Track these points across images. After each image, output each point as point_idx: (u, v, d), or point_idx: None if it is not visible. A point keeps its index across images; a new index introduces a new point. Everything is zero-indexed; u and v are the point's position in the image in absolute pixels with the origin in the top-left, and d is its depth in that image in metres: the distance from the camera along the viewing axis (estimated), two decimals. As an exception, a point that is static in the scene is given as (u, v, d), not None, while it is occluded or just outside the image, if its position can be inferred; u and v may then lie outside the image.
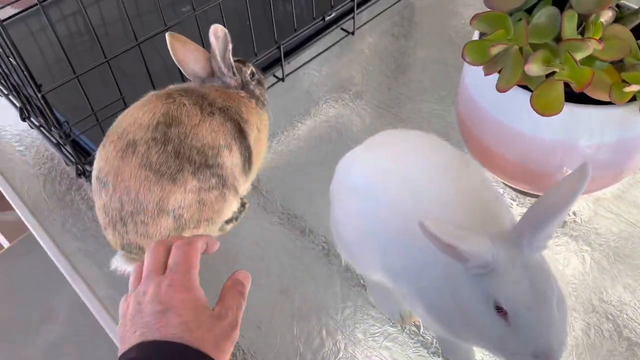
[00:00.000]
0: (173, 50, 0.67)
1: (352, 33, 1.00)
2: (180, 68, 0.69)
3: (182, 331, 0.46)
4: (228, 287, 0.51)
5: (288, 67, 0.94)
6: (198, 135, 0.64)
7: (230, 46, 0.67)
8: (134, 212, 0.61)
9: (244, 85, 0.72)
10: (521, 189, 0.77)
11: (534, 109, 0.52)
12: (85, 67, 0.69)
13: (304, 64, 0.96)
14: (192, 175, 0.63)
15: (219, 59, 0.68)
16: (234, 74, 0.71)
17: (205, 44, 0.73)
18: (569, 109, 0.55)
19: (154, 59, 0.78)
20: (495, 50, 0.52)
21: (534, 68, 0.50)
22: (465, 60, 0.54)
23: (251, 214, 0.77)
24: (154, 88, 0.73)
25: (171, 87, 0.69)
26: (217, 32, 0.66)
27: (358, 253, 0.61)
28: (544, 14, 0.52)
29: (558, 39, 0.52)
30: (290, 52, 0.93)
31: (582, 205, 0.75)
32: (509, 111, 0.62)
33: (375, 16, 1.04)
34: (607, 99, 0.52)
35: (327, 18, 0.93)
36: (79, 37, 0.97)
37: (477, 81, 0.64)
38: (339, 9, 0.94)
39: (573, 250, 0.71)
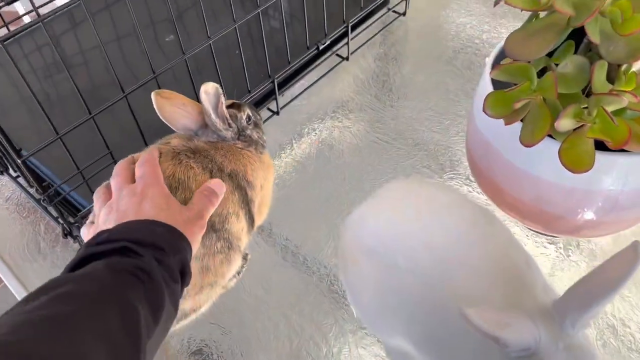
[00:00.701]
0: (160, 109, 0.61)
1: (347, 58, 0.96)
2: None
3: (155, 213, 0.50)
4: (197, 192, 0.56)
5: (282, 98, 0.89)
6: None
7: (222, 99, 0.62)
8: None
9: (240, 133, 0.67)
10: (534, 229, 0.73)
11: (562, 164, 0.49)
12: (69, 117, 0.64)
13: (299, 95, 0.91)
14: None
15: (212, 116, 0.63)
16: (229, 125, 0.65)
17: (195, 84, 0.68)
18: (602, 157, 0.52)
19: (143, 101, 0.72)
20: (520, 105, 0.48)
21: (565, 124, 0.46)
22: (487, 114, 0.50)
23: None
24: (143, 138, 0.68)
25: (176, 142, 0.63)
26: (208, 90, 0.60)
27: (378, 319, 0.56)
28: (571, 63, 0.48)
29: (586, 88, 0.48)
30: (285, 83, 0.88)
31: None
32: (530, 158, 0.58)
33: (370, 38, 0.99)
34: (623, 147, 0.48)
35: (322, 47, 0.88)
36: (58, 73, 0.91)
37: (492, 126, 0.60)
38: (333, 35, 0.89)
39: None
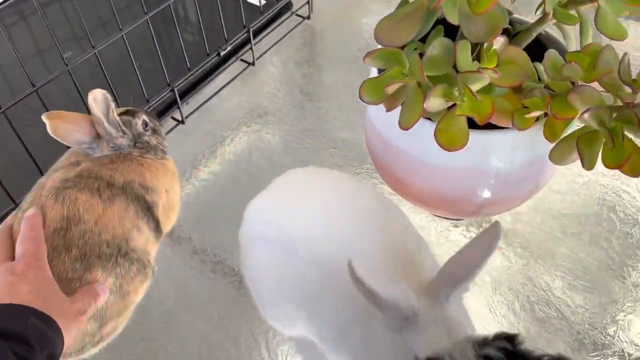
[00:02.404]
0: (54, 131, 0.58)
1: (253, 64, 0.96)
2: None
3: (32, 299, 0.45)
4: (83, 289, 0.52)
5: (188, 107, 0.88)
6: (106, 228, 0.56)
7: (113, 105, 0.60)
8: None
9: (136, 140, 0.66)
10: (439, 215, 0.75)
11: (438, 144, 0.50)
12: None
13: (204, 102, 0.90)
14: (104, 272, 0.55)
15: (104, 123, 0.61)
16: (123, 132, 0.63)
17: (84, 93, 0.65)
18: (475, 136, 0.53)
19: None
20: (391, 89, 0.49)
21: (434, 104, 0.47)
22: (363, 100, 0.51)
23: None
24: (37, 167, 0.65)
25: (59, 175, 0.59)
26: (96, 96, 0.58)
27: (277, 307, 0.56)
28: (437, 46, 0.49)
29: (456, 68, 0.50)
30: (188, 92, 0.87)
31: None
32: (415, 143, 0.60)
33: (276, 43, 1.00)
34: (510, 126, 0.50)
35: (222, 53, 0.87)
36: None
37: (380, 115, 0.62)
38: (234, 41, 0.89)
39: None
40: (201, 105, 0.89)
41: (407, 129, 0.50)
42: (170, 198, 0.67)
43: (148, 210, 0.63)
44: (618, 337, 0.63)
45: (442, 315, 0.43)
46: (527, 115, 0.49)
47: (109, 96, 0.59)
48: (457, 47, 0.48)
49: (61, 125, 0.59)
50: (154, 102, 0.79)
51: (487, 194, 0.63)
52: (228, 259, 0.73)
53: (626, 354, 0.62)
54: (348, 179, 0.58)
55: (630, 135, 0.44)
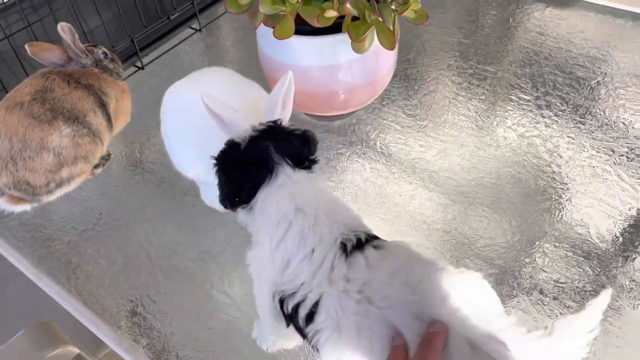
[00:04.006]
0: (33, 54, 0.90)
1: (200, 30, 1.26)
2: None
3: None
4: None
5: (148, 58, 1.18)
6: (68, 100, 0.87)
7: (76, 35, 0.91)
8: (21, 149, 0.83)
9: (97, 63, 0.96)
10: (318, 114, 1.03)
11: (275, 37, 0.79)
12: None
13: (161, 55, 1.20)
14: (65, 124, 0.86)
15: (72, 46, 0.92)
16: (86, 55, 0.94)
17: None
18: (316, 40, 0.83)
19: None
20: (242, 1, 0.78)
21: (265, 7, 0.77)
22: (228, 11, 0.81)
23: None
24: (26, 73, 0.96)
25: (45, 69, 0.92)
26: (64, 28, 0.89)
27: (181, 158, 0.85)
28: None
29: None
30: (146, 47, 1.18)
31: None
32: (277, 50, 0.89)
33: (222, 14, 1.30)
34: (318, 25, 0.79)
35: (172, 17, 1.18)
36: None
37: (259, 32, 0.91)
38: (181, 10, 1.20)
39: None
40: (157, 57, 1.20)
41: (256, 27, 0.80)
42: (119, 105, 0.97)
43: (103, 105, 0.93)
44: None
45: None
46: (325, 15, 0.77)
47: (72, 28, 0.90)
48: (279, -28, 0.77)
49: (39, 50, 0.90)
50: (118, 47, 1.10)
51: (340, 86, 0.91)
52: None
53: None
54: (229, 71, 0.87)
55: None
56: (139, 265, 0.83)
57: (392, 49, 0.78)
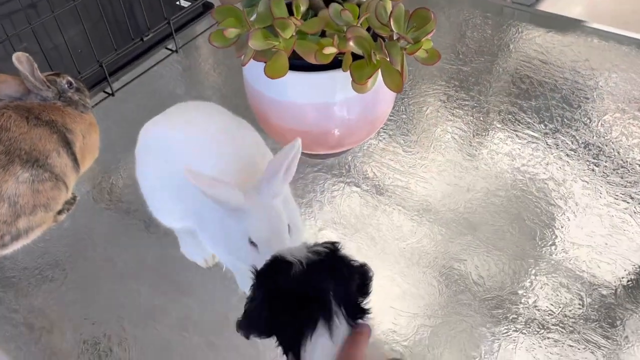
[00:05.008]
0: None
1: (176, 51, 1.16)
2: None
3: None
4: None
5: (119, 83, 1.07)
6: (26, 140, 0.76)
7: (35, 65, 0.79)
8: None
9: (61, 95, 0.85)
10: (310, 152, 0.93)
11: (266, 75, 0.69)
12: None
13: (134, 79, 1.09)
14: (22, 168, 0.74)
15: (30, 78, 0.80)
16: (48, 87, 0.83)
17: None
18: (301, 76, 0.74)
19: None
20: (228, 34, 0.68)
21: (255, 43, 0.67)
22: (212, 44, 0.71)
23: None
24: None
25: (1, 104, 0.80)
26: (20, 58, 0.78)
27: (161, 205, 0.74)
28: (262, 4, 0.69)
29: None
30: (117, 71, 1.06)
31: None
32: (271, 86, 0.79)
33: (201, 33, 1.20)
34: (315, 62, 0.70)
35: (146, 38, 1.07)
36: None
37: (247, 68, 0.81)
38: (156, 30, 1.09)
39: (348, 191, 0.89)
40: (131, 81, 1.09)
41: (244, 64, 0.70)
42: (86, 142, 0.86)
43: (68, 144, 0.81)
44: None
45: (263, 207, 0.61)
46: (324, 51, 0.68)
47: (31, 58, 0.79)
48: (271, 3, 0.68)
49: None
50: (86, 74, 0.99)
51: (335, 124, 0.82)
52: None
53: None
54: (213, 105, 0.76)
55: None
56: (110, 333, 0.72)
57: (399, 91, 0.69)
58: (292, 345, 0.49)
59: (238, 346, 0.66)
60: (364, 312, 0.51)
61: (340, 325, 0.49)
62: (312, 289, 0.49)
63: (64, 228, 0.85)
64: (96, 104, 1.03)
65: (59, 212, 0.84)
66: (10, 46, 0.94)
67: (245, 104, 0.87)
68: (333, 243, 0.53)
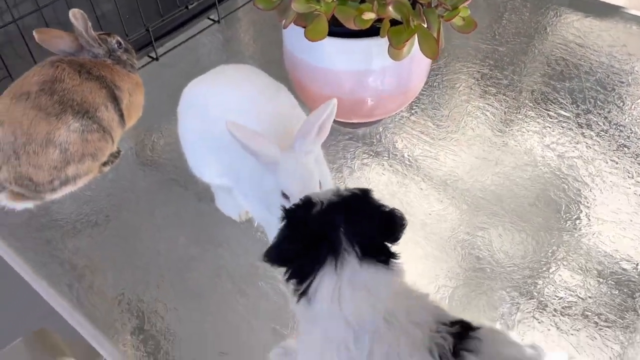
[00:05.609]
0: (42, 41, 0.83)
1: (218, 22, 1.19)
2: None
3: None
4: None
5: (162, 49, 1.12)
6: (78, 92, 0.81)
7: (89, 23, 0.84)
8: (25, 142, 0.77)
9: (110, 53, 0.90)
10: (345, 121, 0.96)
11: (306, 38, 0.72)
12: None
13: (177, 46, 1.13)
14: (74, 118, 0.79)
15: (84, 34, 0.85)
16: (99, 44, 0.88)
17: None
18: (339, 42, 0.76)
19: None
20: (274, -3, 0.72)
21: (297, 5, 0.70)
22: (257, 7, 0.74)
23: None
24: (34, 61, 0.89)
25: (55, 58, 0.85)
26: (76, 15, 0.83)
27: (200, 161, 0.78)
28: (307, -30, 0.72)
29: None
30: (161, 37, 1.11)
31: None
32: (309, 51, 0.82)
33: (245, 4, 1.23)
34: (354, 27, 0.72)
35: (191, 7, 1.12)
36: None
37: (287, 32, 0.84)
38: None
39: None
40: (173, 48, 1.13)
41: (285, 27, 0.73)
42: (132, 100, 0.91)
43: (115, 100, 0.86)
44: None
45: (296, 162, 0.64)
46: (363, 17, 0.71)
47: (85, 15, 0.84)
48: (316, -31, 0.70)
49: (49, 38, 0.83)
50: (132, 37, 1.03)
51: (369, 93, 0.85)
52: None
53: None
54: (254, 69, 0.80)
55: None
56: (148, 279, 0.77)
57: (435, 58, 0.71)
58: (303, 278, 0.53)
59: (267, 293, 0.69)
60: (389, 254, 0.54)
61: (350, 261, 0.52)
62: (325, 226, 0.53)
63: (108, 179, 0.90)
64: (141, 67, 1.08)
65: (104, 164, 0.89)
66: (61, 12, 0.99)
67: (283, 74, 0.90)
68: (363, 189, 0.57)
